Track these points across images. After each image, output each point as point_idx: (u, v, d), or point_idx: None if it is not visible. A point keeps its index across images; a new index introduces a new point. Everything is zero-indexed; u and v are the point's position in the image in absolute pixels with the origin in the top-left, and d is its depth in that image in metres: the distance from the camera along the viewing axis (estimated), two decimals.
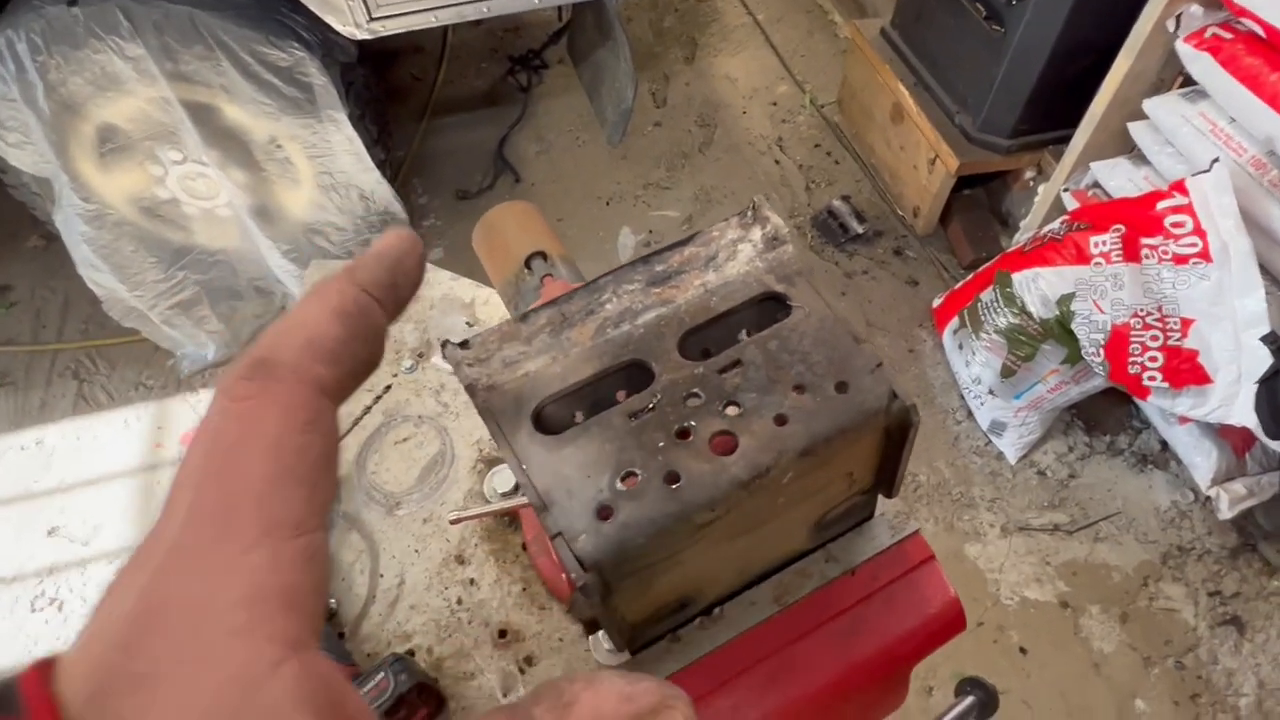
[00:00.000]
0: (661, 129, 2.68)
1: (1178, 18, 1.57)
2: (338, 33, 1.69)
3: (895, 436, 0.45)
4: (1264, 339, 1.31)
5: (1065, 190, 1.96)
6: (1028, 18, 1.78)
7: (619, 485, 0.39)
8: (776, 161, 2.55)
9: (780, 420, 0.41)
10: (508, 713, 0.27)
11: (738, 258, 0.46)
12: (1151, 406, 1.79)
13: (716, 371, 0.42)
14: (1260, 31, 1.45)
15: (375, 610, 0.71)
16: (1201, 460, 1.71)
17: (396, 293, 0.27)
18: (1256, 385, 1.35)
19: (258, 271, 2.09)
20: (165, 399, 2.10)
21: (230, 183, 1.87)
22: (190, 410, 2.08)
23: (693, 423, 0.41)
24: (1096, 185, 1.89)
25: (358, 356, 0.25)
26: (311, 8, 1.62)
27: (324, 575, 0.22)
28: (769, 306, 0.46)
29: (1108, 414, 1.91)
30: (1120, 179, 1.81)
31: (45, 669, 0.20)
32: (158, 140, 1.79)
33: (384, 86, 2.79)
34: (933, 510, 1.82)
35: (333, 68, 1.80)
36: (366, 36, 1.71)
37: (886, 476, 0.50)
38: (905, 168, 2.29)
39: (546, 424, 0.42)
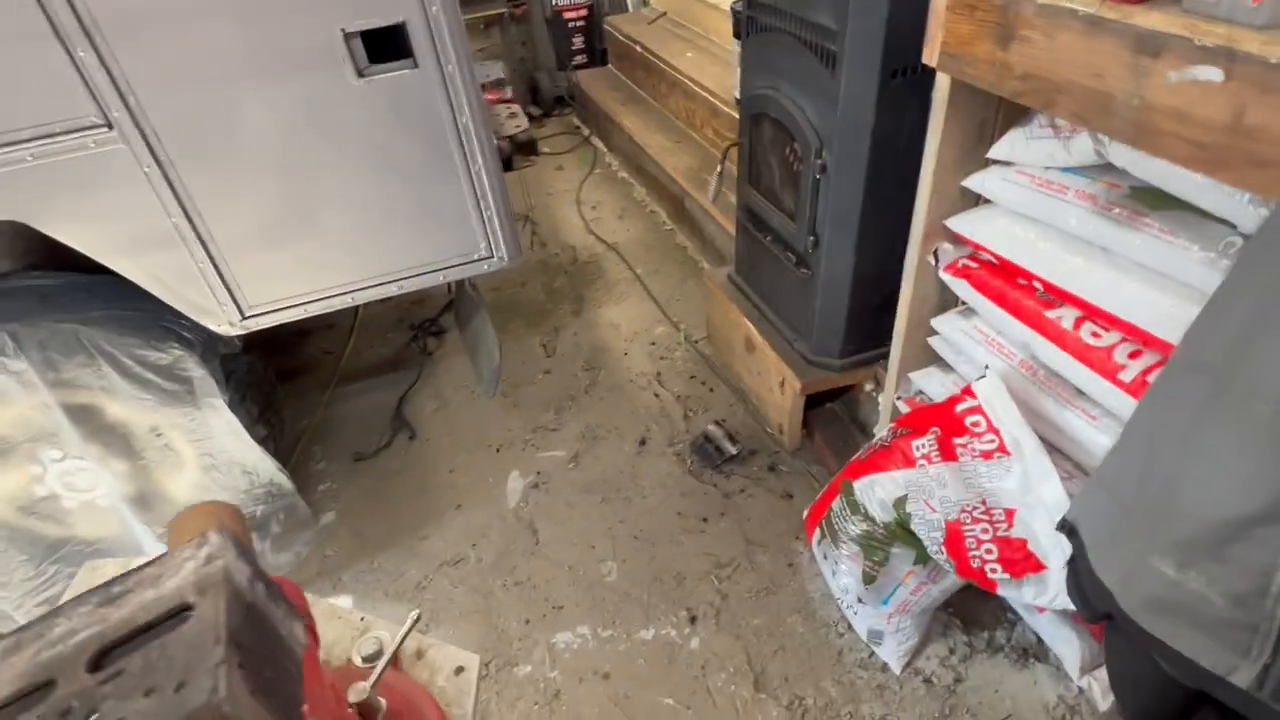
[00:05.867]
0: (551, 376, 2.89)
1: (935, 253, 1.85)
2: None
3: None
4: (1057, 527, 1.39)
5: (899, 399, 2.14)
6: (824, 261, 2.07)
7: None
8: (656, 395, 2.75)
9: None
10: None
11: (180, 574, 0.52)
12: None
13: (99, 683, 0.46)
14: (994, 260, 1.72)
15: None
16: (1067, 650, 1.71)
17: None
18: (1066, 569, 1.41)
19: (135, 556, 2.10)
20: None
21: (109, 473, 1.95)
22: None
23: None
24: (921, 392, 2.08)
25: None
26: (188, 314, 1.83)
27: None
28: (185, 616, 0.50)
29: (982, 609, 1.92)
30: (936, 385, 1.99)
31: None
32: (38, 442, 1.90)
33: (292, 363, 3.01)
34: None
35: (212, 360, 1.98)
36: (241, 332, 1.90)
37: None
38: (765, 390, 2.49)
39: None
